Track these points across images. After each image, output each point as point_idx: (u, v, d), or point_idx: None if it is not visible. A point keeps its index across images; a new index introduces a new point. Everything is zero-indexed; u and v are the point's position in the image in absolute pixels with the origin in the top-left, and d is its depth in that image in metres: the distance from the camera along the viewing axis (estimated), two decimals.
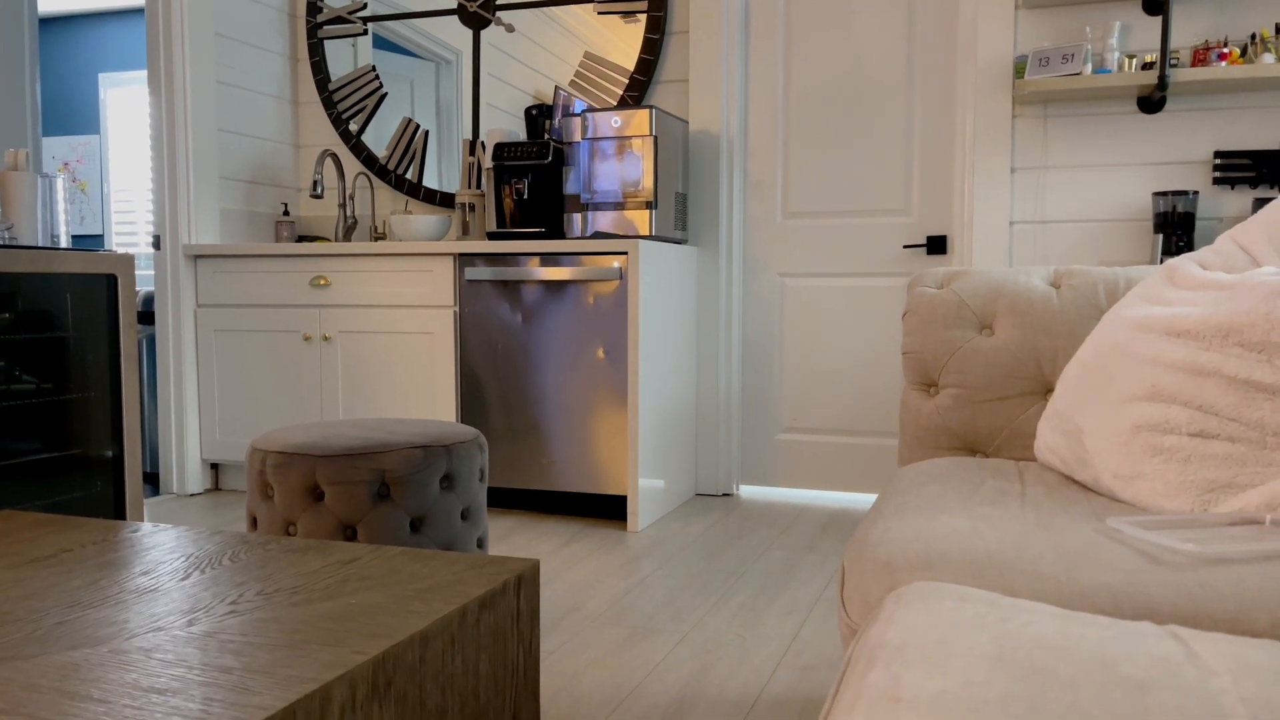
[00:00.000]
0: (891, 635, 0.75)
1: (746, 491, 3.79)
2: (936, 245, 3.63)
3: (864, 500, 3.60)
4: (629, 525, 3.20)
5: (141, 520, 2.75)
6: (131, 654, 1.09)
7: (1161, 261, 3.25)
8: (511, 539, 3.09)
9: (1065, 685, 0.63)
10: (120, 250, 6.53)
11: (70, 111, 6.75)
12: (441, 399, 3.43)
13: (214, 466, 3.92)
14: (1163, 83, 3.11)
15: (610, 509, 3.38)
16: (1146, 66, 3.20)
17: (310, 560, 1.46)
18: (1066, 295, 1.67)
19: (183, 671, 1.04)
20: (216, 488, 3.92)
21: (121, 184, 6.66)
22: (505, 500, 3.51)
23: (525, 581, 1.44)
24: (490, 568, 1.42)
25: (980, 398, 1.65)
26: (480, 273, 3.35)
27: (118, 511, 2.65)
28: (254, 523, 1.94)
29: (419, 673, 1.18)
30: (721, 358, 3.68)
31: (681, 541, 3.04)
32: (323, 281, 3.57)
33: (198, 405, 3.79)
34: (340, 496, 1.82)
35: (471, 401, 3.41)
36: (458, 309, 3.42)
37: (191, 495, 3.78)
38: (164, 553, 1.51)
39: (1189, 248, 3.26)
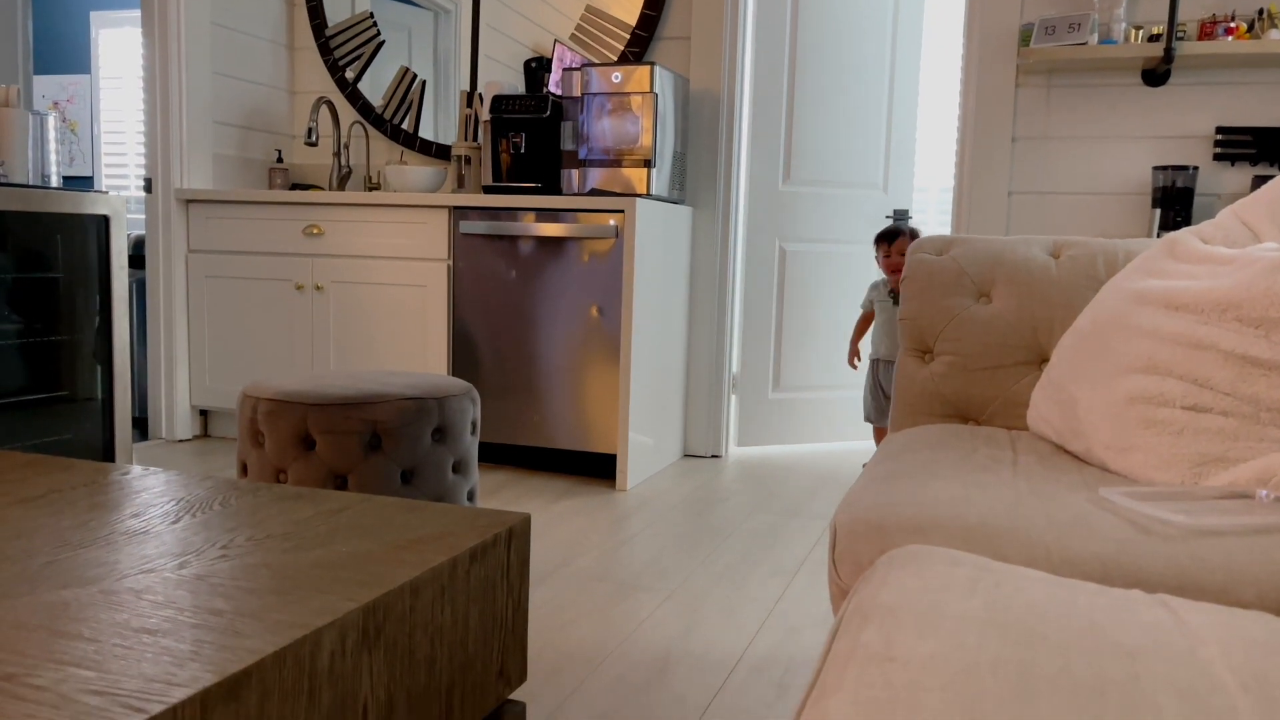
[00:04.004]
0: (884, 597, 0.75)
1: (736, 454, 3.80)
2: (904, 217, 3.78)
3: (853, 452, 3.61)
4: (618, 484, 3.21)
5: (130, 464, 2.75)
6: (121, 594, 1.09)
7: (1159, 236, 3.25)
8: (501, 494, 3.10)
9: (1056, 650, 0.64)
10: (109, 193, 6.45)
11: (60, 50, 6.64)
12: (433, 352, 3.42)
13: (203, 413, 3.91)
14: (1168, 55, 3.09)
15: (599, 467, 3.39)
16: (1153, 38, 3.17)
17: (301, 508, 1.46)
18: (1065, 266, 1.66)
19: (173, 613, 1.04)
20: (205, 434, 3.91)
21: (112, 125, 6.57)
22: (495, 455, 3.52)
23: (516, 535, 1.45)
24: (482, 520, 1.43)
25: (975, 366, 1.65)
26: (475, 226, 3.33)
27: (106, 455, 2.64)
28: (244, 469, 1.94)
29: (409, 622, 1.18)
30: (715, 320, 3.67)
31: (670, 501, 3.05)
32: (316, 230, 3.54)
33: (187, 351, 3.77)
34: (332, 446, 1.82)
35: (463, 355, 3.40)
36: (451, 262, 3.39)
37: (180, 441, 3.78)
38: (154, 496, 1.51)
39: (1187, 223, 3.25)
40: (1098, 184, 3.37)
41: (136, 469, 1.67)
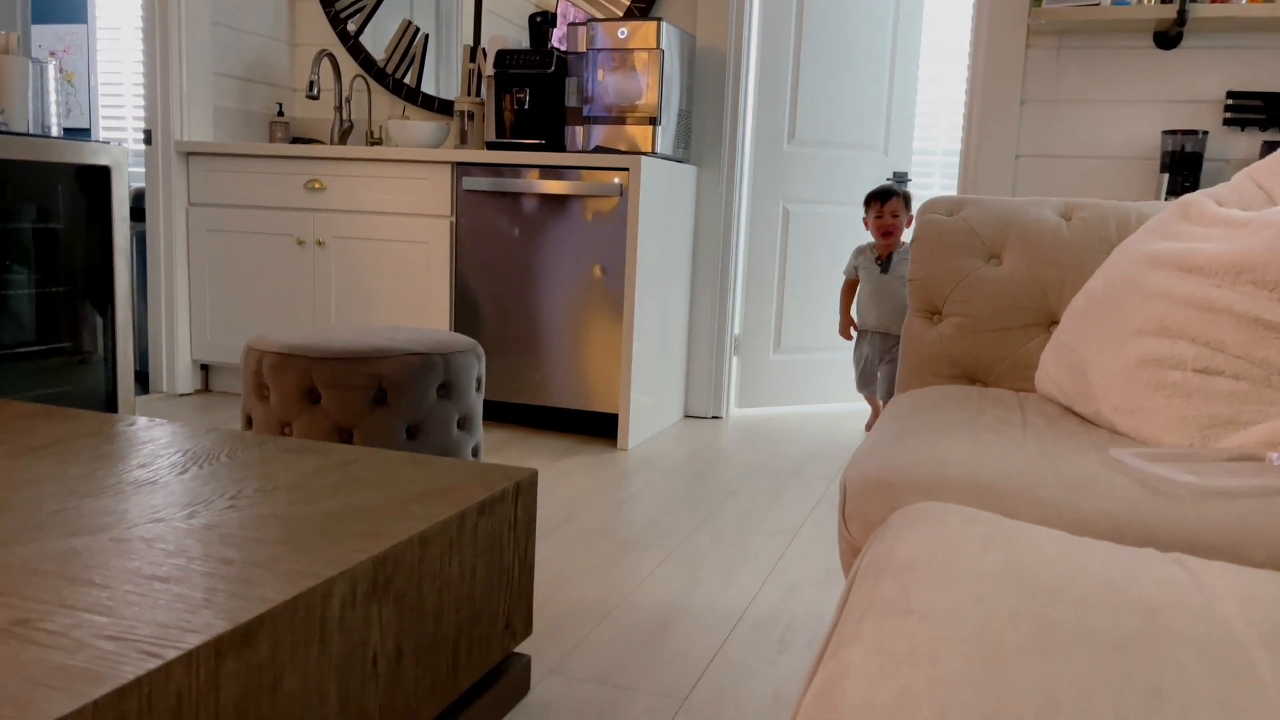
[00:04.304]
0: (899, 552, 0.75)
1: (736, 415, 3.81)
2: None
3: (853, 414, 3.61)
4: (619, 443, 3.21)
5: (135, 416, 2.75)
6: (132, 543, 1.09)
7: (1166, 201, 3.23)
8: (503, 451, 3.11)
9: (1074, 605, 0.64)
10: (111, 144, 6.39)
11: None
12: (435, 309, 3.41)
13: (204, 368, 3.90)
14: (1181, 17, 3.05)
15: (600, 427, 3.39)
16: (1166, 0, 3.13)
17: (308, 460, 1.46)
18: (1077, 228, 1.65)
19: (184, 561, 1.04)
20: (206, 389, 3.91)
21: (109, 77, 6.49)
22: (496, 414, 3.52)
23: (523, 490, 1.45)
24: (489, 475, 1.43)
25: (984, 327, 1.64)
26: (478, 183, 3.30)
27: (109, 407, 2.64)
28: (249, 422, 1.94)
29: (417, 573, 1.19)
30: (718, 280, 3.66)
31: (671, 461, 3.06)
32: (317, 185, 3.51)
33: (188, 305, 3.76)
34: (337, 399, 1.82)
35: (466, 313, 3.39)
36: (454, 219, 3.37)
37: (181, 395, 3.78)
38: (160, 447, 1.51)
39: (1195, 189, 3.23)
40: (1106, 148, 3.35)
41: (142, 420, 1.66)
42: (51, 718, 0.72)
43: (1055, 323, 1.63)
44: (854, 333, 3.53)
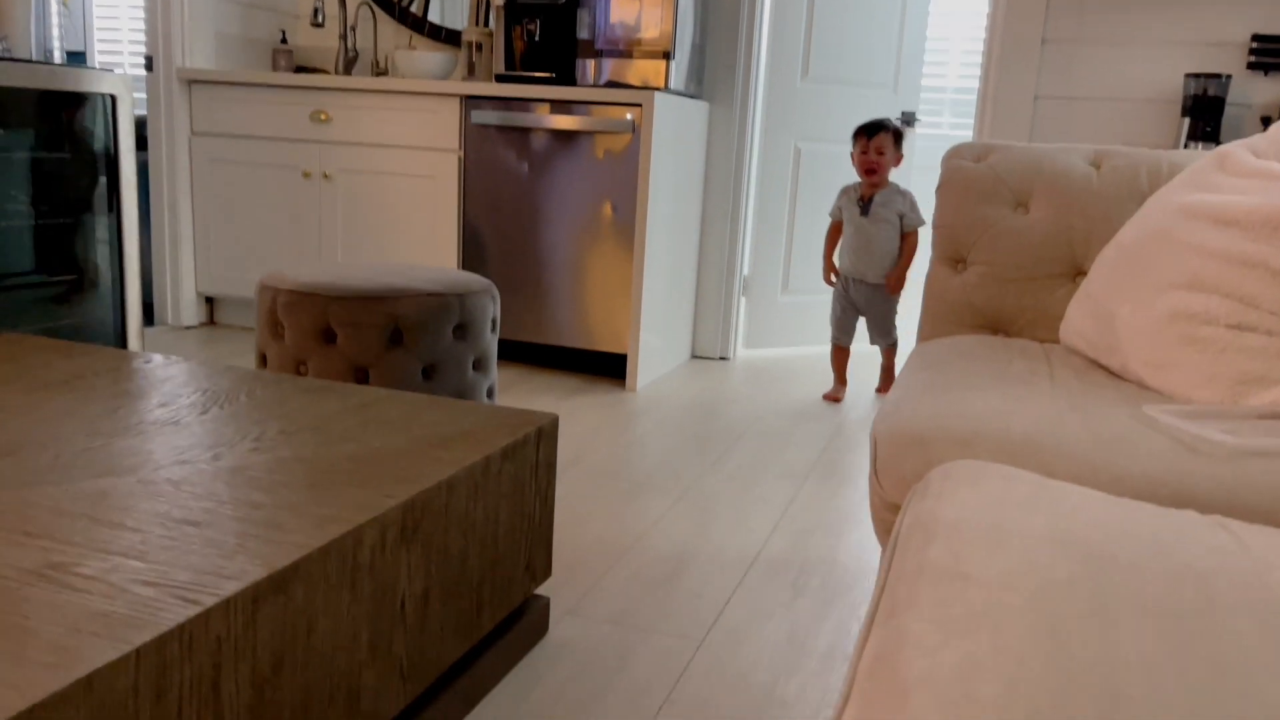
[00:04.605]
0: (945, 512, 0.75)
1: (743, 356, 3.80)
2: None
3: (860, 356, 3.60)
4: (627, 384, 3.21)
5: (142, 350, 2.74)
6: (159, 485, 1.09)
7: (1185, 148, 3.19)
8: (512, 391, 3.10)
9: (1128, 570, 0.64)
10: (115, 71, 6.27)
11: None
12: (443, 245, 3.38)
13: (209, 300, 3.88)
14: None
15: (608, 366, 3.38)
16: None
17: (327, 401, 1.45)
18: (1107, 176, 1.63)
19: (213, 505, 1.04)
20: (211, 321, 3.89)
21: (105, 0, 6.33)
22: (503, 352, 3.51)
23: (544, 435, 1.45)
24: (512, 420, 1.42)
25: (1009, 277, 1.63)
26: (487, 117, 3.24)
27: (118, 340, 2.63)
28: (263, 360, 1.93)
29: (444, 518, 1.19)
30: (729, 220, 3.62)
31: (679, 402, 3.06)
32: (323, 117, 3.45)
33: (193, 237, 3.72)
34: (353, 339, 1.80)
35: (473, 249, 3.36)
36: (462, 153, 3.32)
37: (187, 328, 3.76)
38: (179, 385, 1.50)
39: (1215, 134, 3.18)
40: (1127, 90, 3.29)
41: (158, 358, 1.65)
42: (95, 665, 0.72)
43: (1081, 273, 1.62)
44: (835, 280, 3.31)
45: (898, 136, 3.14)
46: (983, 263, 1.65)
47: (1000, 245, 1.63)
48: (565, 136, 3.19)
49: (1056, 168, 1.64)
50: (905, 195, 3.16)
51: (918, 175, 6.73)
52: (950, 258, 1.68)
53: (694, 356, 3.74)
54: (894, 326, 3.27)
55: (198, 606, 0.82)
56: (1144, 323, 1.30)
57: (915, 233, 3.17)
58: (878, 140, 3.09)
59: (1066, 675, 0.50)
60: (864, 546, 2.00)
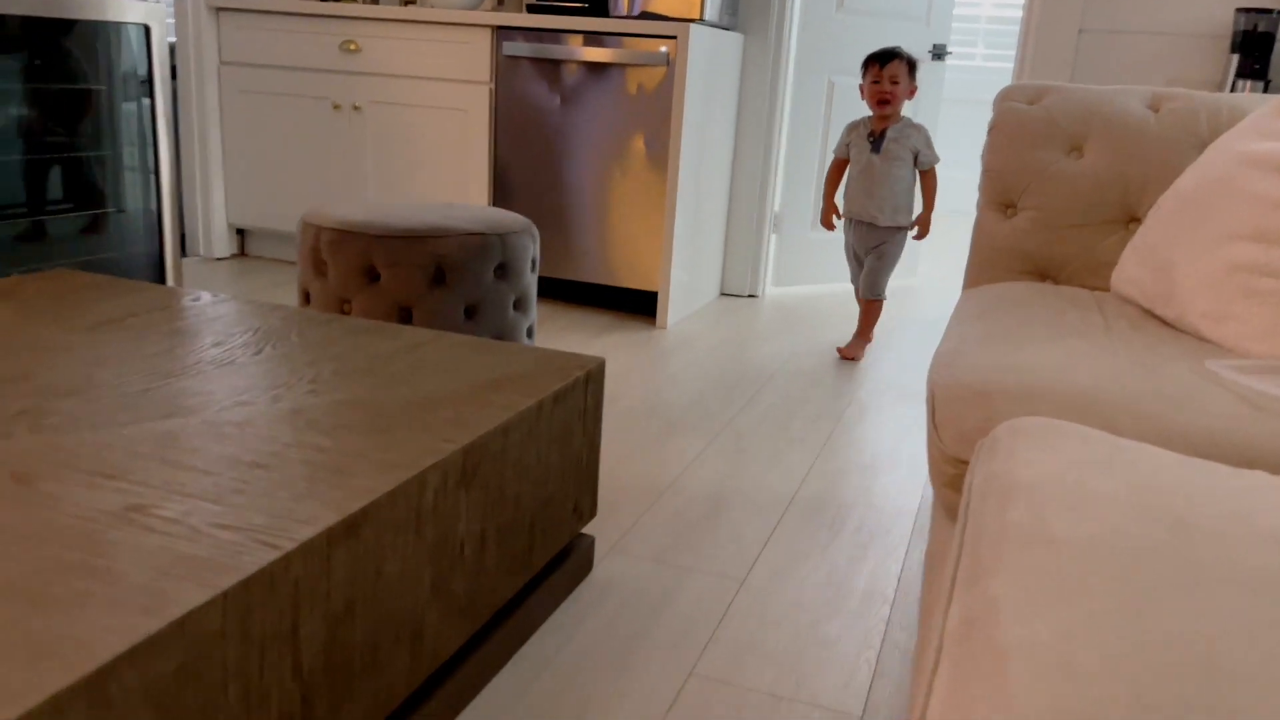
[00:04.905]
0: (1021, 473, 0.75)
1: (773, 293, 3.78)
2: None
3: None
4: (658, 321, 3.21)
5: (180, 283, 2.75)
6: (224, 427, 1.10)
7: (1233, 85, 3.11)
8: (543, 328, 3.11)
9: (1210, 538, 0.64)
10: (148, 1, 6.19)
11: None
12: (474, 179, 3.36)
13: (239, 232, 3.88)
14: None
15: (638, 304, 3.38)
16: None
17: (377, 342, 1.46)
18: (1165, 120, 1.59)
19: (278, 448, 1.06)
20: (242, 253, 3.90)
21: None
22: None
23: (592, 378, 1.46)
24: (560, 363, 1.43)
25: (1060, 223, 1.60)
26: (518, 48, 3.19)
27: (155, 273, 2.64)
28: (306, 298, 1.94)
29: (500, 462, 1.21)
30: (761, 155, 3.58)
31: (710, 340, 3.06)
32: (353, 47, 3.40)
33: (223, 169, 3.71)
34: (397, 278, 1.81)
35: (504, 183, 3.34)
36: (493, 86, 3.28)
37: (218, 259, 3.77)
38: (230, 325, 1.51)
39: (1264, 70, 3.10)
40: (1175, 24, 3.20)
41: (206, 295, 1.66)
42: (187, 608, 0.74)
43: (1135, 220, 1.59)
44: (836, 221, 3.03)
45: (912, 65, 2.86)
46: (1033, 208, 1.63)
47: (1052, 190, 1.61)
48: (597, 69, 3.14)
49: (1113, 111, 1.61)
50: (919, 130, 2.87)
51: (948, 109, 6.62)
52: (1000, 202, 1.66)
53: (723, 294, 3.73)
54: (888, 280, 2.98)
55: (277, 551, 0.84)
56: (1203, 273, 1.29)
57: (933, 170, 2.89)
58: (891, 68, 2.81)
59: (1164, 646, 0.51)
60: (899, 489, 2.01)
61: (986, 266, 1.66)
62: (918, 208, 2.94)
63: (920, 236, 2.94)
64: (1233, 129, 1.42)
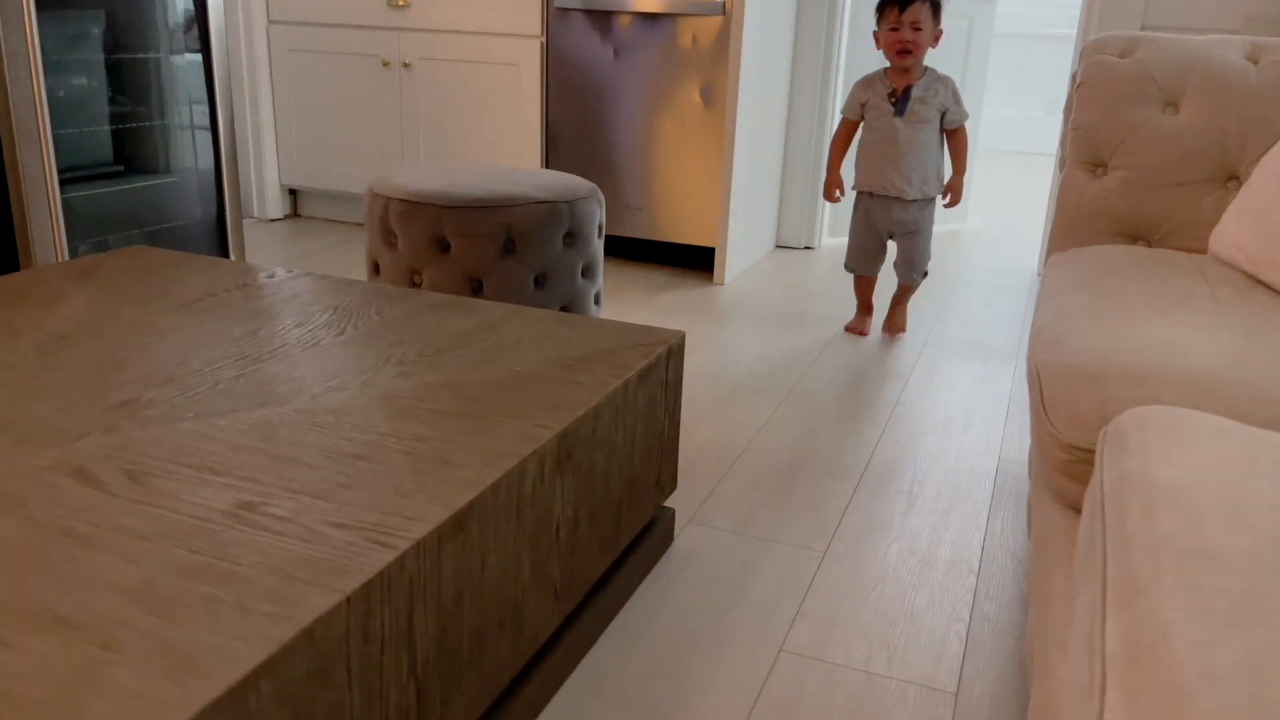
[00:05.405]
0: (1160, 474, 0.73)
1: (828, 244, 3.73)
2: None
3: (942, 239, 3.52)
4: (715, 277, 3.18)
5: (242, 249, 2.77)
6: (320, 415, 1.10)
7: None
8: None
9: None
10: None
11: None
12: (526, 135, 3.32)
13: (292, 192, 3.89)
14: None
15: (695, 259, 3.35)
16: None
17: (456, 319, 1.46)
18: (1266, 73, 1.52)
19: (376, 438, 1.06)
20: (295, 214, 3.91)
21: None
22: None
23: (673, 353, 1.44)
24: (642, 338, 1.41)
25: (1154, 182, 1.55)
26: (570, 0, 3.13)
27: (219, 239, 2.66)
28: (375, 269, 1.93)
29: (591, 443, 1.20)
30: (816, 104, 3.50)
31: (769, 297, 3.03)
32: (401, 2, 3.36)
33: (274, 129, 3.71)
34: (467, 249, 1.79)
35: (557, 139, 3.30)
36: (545, 39, 3.22)
37: (272, 220, 3.79)
38: (308, 303, 1.51)
39: None
40: None
41: (281, 271, 1.67)
42: (315, 614, 0.75)
43: (1234, 179, 1.53)
44: (840, 195, 2.65)
45: (935, 6, 2.43)
46: (1126, 167, 1.57)
47: (1146, 148, 1.55)
48: (651, 19, 3.07)
49: (1211, 64, 1.54)
50: (947, 83, 2.49)
51: (1000, 44, 6.40)
52: (1090, 161, 1.60)
53: (778, 246, 3.68)
54: (929, 258, 2.64)
55: (393, 551, 0.84)
56: None
57: (964, 128, 2.52)
58: (912, 12, 2.39)
59: None
60: (975, 451, 1.99)
61: (1074, 228, 1.61)
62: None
63: (952, 204, 2.59)
64: None
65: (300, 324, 1.41)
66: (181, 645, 0.70)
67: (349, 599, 0.78)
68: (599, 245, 1.99)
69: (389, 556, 0.83)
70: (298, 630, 0.73)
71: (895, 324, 2.72)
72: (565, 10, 3.16)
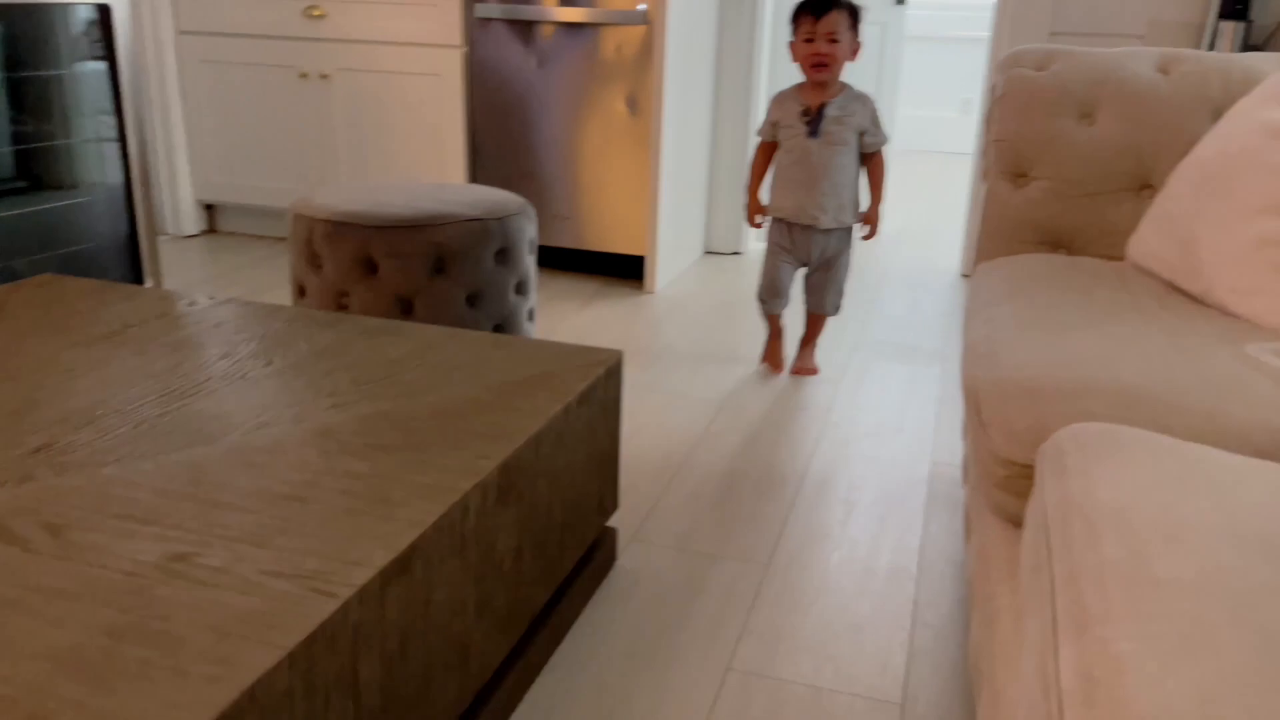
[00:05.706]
0: (1101, 495, 0.74)
1: (756, 249, 3.75)
2: None
3: (869, 250, 3.57)
4: (646, 285, 3.18)
5: (158, 268, 2.68)
6: (251, 454, 1.07)
7: (1215, 25, 3.09)
8: None
9: None
10: None
11: None
12: (450, 146, 3.28)
13: (208, 207, 3.78)
14: None
15: (624, 267, 3.34)
16: None
17: (389, 344, 1.42)
18: (1175, 84, 1.57)
19: (312, 476, 1.02)
20: (213, 229, 3.80)
21: None
22: None
23: (612, 373, 1.43)
24: (580, 359, 1.40)
25: (1074, 192, 1.59)
26: (491, 9, 3.10)
27: (134, 260, 2.56)
28: (301, 291, 1.88)
29: (534, 472, 1.18)
30: (741, 108, 3.52)
31: (701, 304, 3.04)
32: (316, 12, 3.28)
33: (186, 143, 3.59)
34: (397, 269, 1.76)
35: (483, 149, 3.26)
36: (467, 50, 3.18)
37: (188, 237, 3.67)
38: (233, 331, 1.46)
39: (1245, 11, 3.09)
40: None
41: (202, 298, 1.61)
42: (256, 674, 0.72)
43: (1148, 187, 1.58)
44: (760, 220, 2.40)
45: (854, 14, 2.23)
46: (1046, 177, 1.61)
47: (1065, 159, 1.59)
48: (574, 29, 3.05)
49: (1124, 75, 1.58)
50: (866, 103, 2.28)
51: (913, 47, 6.54)
52: (1012, 172, 1.64)
53: (707, 252, 3.70)
54: (844, 291, 2.44)
55: (335, 600, 0.81)
56: (1230, 248, 1.28)
57: (880, 153, 2.31)
58: (828, 22, 2.17)
59: None
60: (907, 456, 2.02)
61: (999, 238, 1.64)
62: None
63: (869, 236, 2.37)
64: (1250, 94, 1.40)
65: (225, 355, 1.37)
66: (116, 716, 0.67)
67: (291, 655, 0.75)
68: (531, 261, 1.97)
69: (331, 606, 0.80)
70: (239, 692, 0.70)
71: (805, 366, 2.48)
72: (487, 20, 3.12)
